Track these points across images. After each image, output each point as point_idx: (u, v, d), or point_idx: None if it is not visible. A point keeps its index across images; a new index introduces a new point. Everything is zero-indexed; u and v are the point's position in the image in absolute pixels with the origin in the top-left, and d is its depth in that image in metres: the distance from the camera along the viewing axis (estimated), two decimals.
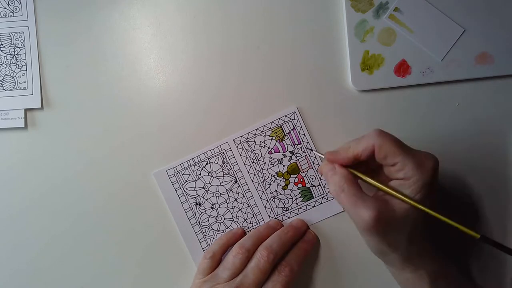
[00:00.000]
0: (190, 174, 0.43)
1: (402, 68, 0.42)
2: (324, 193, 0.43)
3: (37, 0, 0.44)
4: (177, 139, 0.43)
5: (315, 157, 0.43)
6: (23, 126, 0.44)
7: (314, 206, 0.43)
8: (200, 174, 0.43)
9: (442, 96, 0.42)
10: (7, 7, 0.45)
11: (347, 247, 0.42)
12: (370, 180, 0.36)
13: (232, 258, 0.39)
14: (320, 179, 0.43)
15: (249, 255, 0.39)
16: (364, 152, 0.35)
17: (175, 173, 0.43)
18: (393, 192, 0.34)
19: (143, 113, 0.44)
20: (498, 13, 0.41)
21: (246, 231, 0.43)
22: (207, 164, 0.43)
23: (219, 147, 0.43)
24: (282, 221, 0.43)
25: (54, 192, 0.44)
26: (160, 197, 0.43)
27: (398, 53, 0.42)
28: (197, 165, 0.43)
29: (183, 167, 0.43)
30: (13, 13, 0.44)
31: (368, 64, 0.42)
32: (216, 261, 0.41)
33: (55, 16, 0.44)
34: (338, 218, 0.43)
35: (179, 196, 0.43)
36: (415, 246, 0.35)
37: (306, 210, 0.43)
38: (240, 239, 0.41)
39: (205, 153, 0.43)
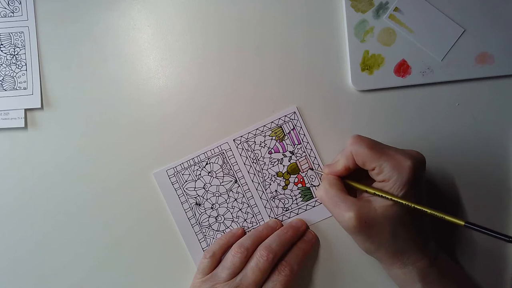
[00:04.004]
0: (190, 174, 0.43)
1: (402, 68, 0.42)
2: None
3: (37, 0, 0.44)
4: (177, 139, 0.43)
5: (315, 157, 0.43)
6: (23, 126, 0.44)
7: (314, 206, 0.43)
8: (200, 174, 0.43)
9: (442, 96, 0.42)
10: (7, 7, 0.45)
11: (347, 248, 0.42)
12: (354, 183, 0.38)
13: (232, 257, 0.39)
14: (320, 179, 0.43)
15: (248, 254, 0.39)
16: (348, 161, 0.37)
17: (175, 173, 0.43)
18: (376, 191, 0.36)
19: (143, 113, 0.44)
20: (498, 13, 0.41)
21: (246, 231, 0.43)
22: (207, 164, 0.43)
23: (219, 147, 0.43)
24: (282, 221, 0.43)
25: (53, 192, 0.44)
26: (160, 197, 0.43)
27: (398, 53, 0.42)
28: (197, 165, 0.43)
29: (183, 167, 0.43)
30: (13, 13, 0.44)
31: (368, 64, 0.42)
32: (216, 261, 0.41)
33: (55, 16, 0.44)
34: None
35: (179, 196, 0.43)
36: (400, 242, 0.35)
37: (306, 210, 0.43)
38: (240, 238, 0.41)
39: (205, 153, 0.43)
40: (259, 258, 0.38)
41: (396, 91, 0.43)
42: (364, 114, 0.43)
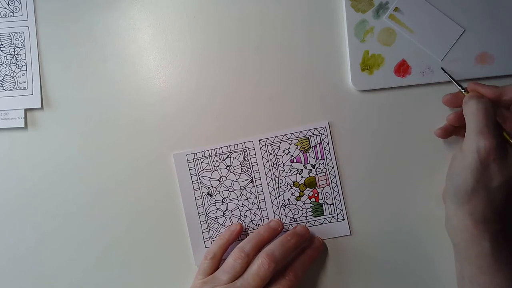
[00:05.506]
0: (208, 164, 0.43)
1: (402, 68, 0.42)
2: (335, 213, 0.43)
3: (37, 0, 0.44)
4: (177, 139, 0.43)
5: (335, 176, 0.43)
6: (23, 126, 0.44)
7: (322, 224, 0.43)
8: (218, 166, 0.43)
9: (442, 96, 0.42)
10: (7, 7, 0.45)
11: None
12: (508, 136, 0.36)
13: (232, 262, 0.39)
14: (334, 198, 0.43)
15: (249, 259, 0.39)
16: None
17: (194, 159, 0.43)
18: None
19: (143, 113, 0.44)
20: (498, 13, 0.41)
21: (249, 232, 0.43)
22: (227, 157, 0.43)
23: (243, 143, 0.43)
24: (286, 230, 0.43)
25: (53, 192, 0.44)
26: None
27: (398, 53, 0.42)
28: (218, 156, 0.43)
29: (203, 155, 0.43)
30: (13, 13, 0.44)
31: (368, 64, 0.42)
32: (217, 262, 0.41)
33: (55, 16, 0.44)
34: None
35: (193, 182, 0.43)
36: (502, 201, 0.35)
37: (313, 225, 0.43)
38: (239, 235, 0.42)
39: (228, 147, 0.43)
40: (260, 266, 0.37)
41: (396, 91, 0.43)
42: (364, 114, 0.43)
